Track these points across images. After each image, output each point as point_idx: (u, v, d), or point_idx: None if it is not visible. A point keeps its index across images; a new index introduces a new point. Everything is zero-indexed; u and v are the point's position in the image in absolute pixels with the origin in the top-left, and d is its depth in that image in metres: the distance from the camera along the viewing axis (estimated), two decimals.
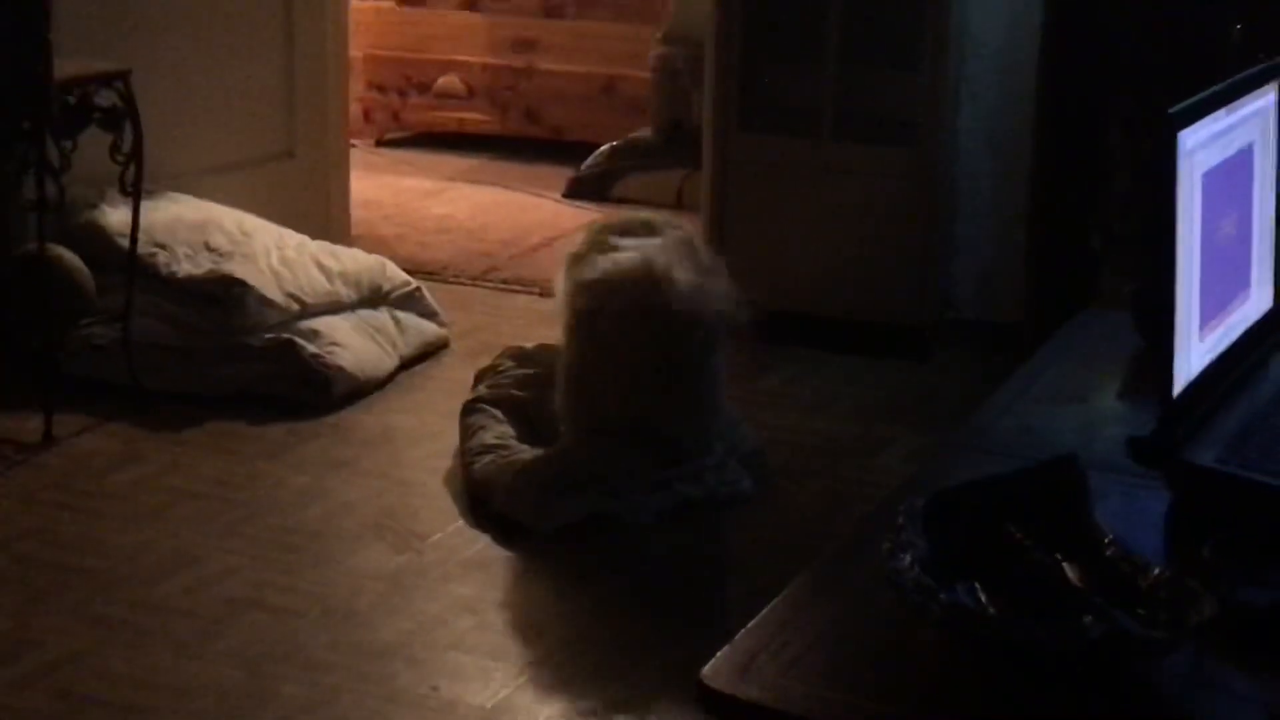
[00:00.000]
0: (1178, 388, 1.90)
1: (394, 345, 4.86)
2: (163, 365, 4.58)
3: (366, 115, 7.43)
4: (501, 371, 4.43)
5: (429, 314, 5.06)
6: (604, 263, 4.05)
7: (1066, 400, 2.25)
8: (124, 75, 4.40)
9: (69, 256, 4.50)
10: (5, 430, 4.33)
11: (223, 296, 4.63)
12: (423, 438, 4.42)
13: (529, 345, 4.51)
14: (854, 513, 3.79)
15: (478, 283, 5.65)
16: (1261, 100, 2.12)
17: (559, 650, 3.45)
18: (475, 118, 7.40)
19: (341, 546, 3.84)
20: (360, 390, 4.65)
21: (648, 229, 4.22)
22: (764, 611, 1.66)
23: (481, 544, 3.86)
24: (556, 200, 6.63)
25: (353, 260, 5.02)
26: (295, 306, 4.72)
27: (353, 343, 4.73)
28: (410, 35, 7.49)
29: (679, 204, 6.13)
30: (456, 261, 5.84)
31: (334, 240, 5.31)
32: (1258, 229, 2.16)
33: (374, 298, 4.97)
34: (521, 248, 6.03)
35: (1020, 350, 3.33)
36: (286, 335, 4.62)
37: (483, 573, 3.74)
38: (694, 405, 4.09)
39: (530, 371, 4.37)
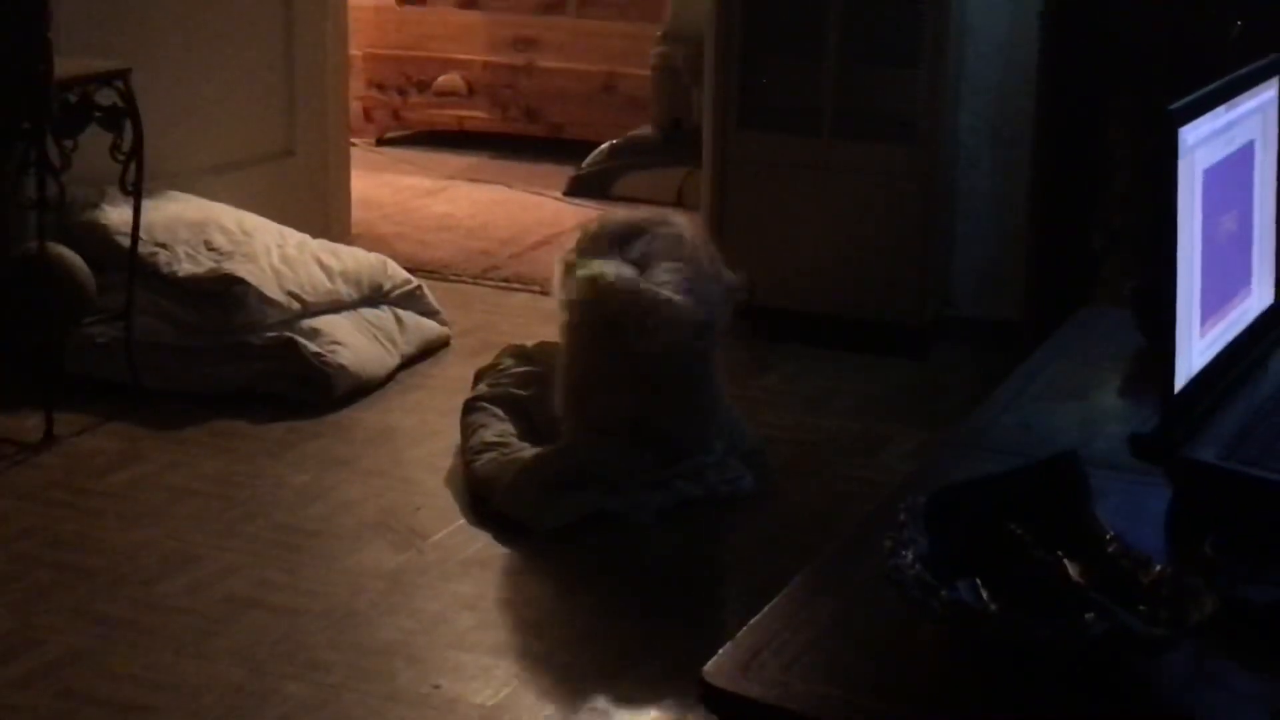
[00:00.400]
0: (1178, 384, 1.90)
1: (395, 344, 4.86)
2: (163, 364, 4.58)
3: (367, 114, 7.44)
4: (502, 370, 4.43)
5: (430, 312, 5.06)
6: (580, 283, 4.03)
7: (1067, 397, 2.25)
8: (124, 74, 4.40)
9: (70, 255, 4.49)
10: (6, 429, 4.33)
11: (223, 295, 4.63)
12: (423, 436, 4.42)
13: (529, 343, 4.51)
14: (854, 510, 3.79)
15: (478, 281, 5.65)
16: (1262, 96, 2.11)
17: (560, 648, 3.45)
18: (475, 116, 7.41)
19: (342, 545, 3.84)
20: (361, 389, 4.65)
21: (638, 231, 4.19)
22: (765, 609, 1.66)
23: (482, 542, 3.86)
24: (557, 198, 6.63)
25: (353, 259, 5.02)
26: (296, 305, 4.72)
27: (353, 341, 4.73)
28: (410, 34, 7.50)
29: (679, 202, 6.13)
30: (457, 260, 5.84)
31: (334, 239, 5.31)
32: (1258, 225, 2.16)
33: (375, 296, 4.97)
34: (522, 246, 6.03)
35: (1020, 348, 3.33)
36: (287, 334, 4.62)
37: (483, 571, 3.74)
38: (693, 404, 4.09)
39: (531, 369, 4.37)
